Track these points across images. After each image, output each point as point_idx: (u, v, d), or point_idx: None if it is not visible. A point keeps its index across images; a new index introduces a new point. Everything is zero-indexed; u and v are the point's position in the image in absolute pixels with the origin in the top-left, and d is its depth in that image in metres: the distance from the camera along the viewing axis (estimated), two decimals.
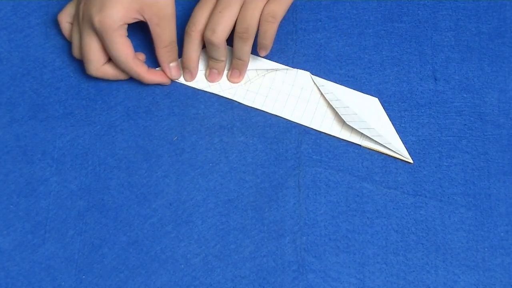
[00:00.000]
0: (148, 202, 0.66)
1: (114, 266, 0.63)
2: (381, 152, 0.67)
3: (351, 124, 0.66)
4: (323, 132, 0.68)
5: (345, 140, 0.67)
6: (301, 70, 0.70)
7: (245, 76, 0.70)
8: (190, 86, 0.70)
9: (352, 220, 0.65)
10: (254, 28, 0.65)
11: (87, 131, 0.68)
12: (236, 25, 0.65)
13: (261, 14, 0.65)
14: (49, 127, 0.68)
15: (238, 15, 0.65)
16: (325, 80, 0.70)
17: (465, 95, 0.69)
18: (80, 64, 0.71)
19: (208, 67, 0.70)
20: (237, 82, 0.70)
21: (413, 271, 0.63)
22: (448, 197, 0.65)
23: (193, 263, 0.63)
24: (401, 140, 0.67)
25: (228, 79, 0.70)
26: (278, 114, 0.69)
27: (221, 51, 0.67)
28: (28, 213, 0.65)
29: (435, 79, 0.70)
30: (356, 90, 0.69)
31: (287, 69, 0.70)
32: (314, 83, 0.70)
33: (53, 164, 0.67)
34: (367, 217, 0.65)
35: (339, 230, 0.64)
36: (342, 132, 0.68)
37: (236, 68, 0.69)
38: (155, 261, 0.64)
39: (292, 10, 0.74)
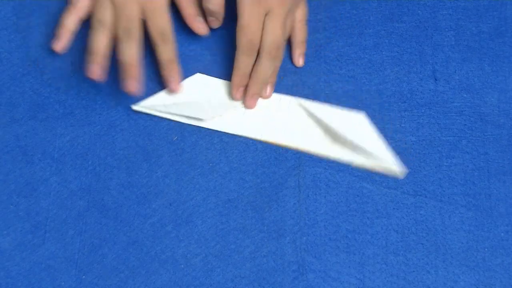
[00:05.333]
0: (148, 202, 0.66)
1: (114, 266, 0.63)
2: (372, 170, 0.66)
3: (337, 144, 0.66)
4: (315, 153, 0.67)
5: (336, 159, 0.67)
6: (284, 95, 0.69)
7: (231, 103, 0.68)
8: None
9: (352, 220, 0.65)
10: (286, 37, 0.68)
11: (87, 131, 0.68)
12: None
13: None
14: (49, 127, 0.68)
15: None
16: (309, 102, 0.69)
17: (465, 95, 0.69)
18: (80, 64, 0.71)
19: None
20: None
21: (413, 271, 0.63)
22: (448, 197, 0.65)
23: (193, 263, 0.63)
24: (401, 141, 0.67)
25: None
26: (267, 141, 0.67)
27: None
28: (28, 213, 0.65)
29: (435, 79, 0.70)
30: (342, 107, 0.68)
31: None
32: (301, 107, 0.69)
33: (53, 164, 0.67)
34: (367, 217, 0.65)
35: (339, 230, 0.64)
36: (333, 150, 0.67)
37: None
38: (155, 261, 0.64)
39: None
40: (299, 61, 0.70)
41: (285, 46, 0.67)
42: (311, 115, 0.68)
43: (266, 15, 0.65)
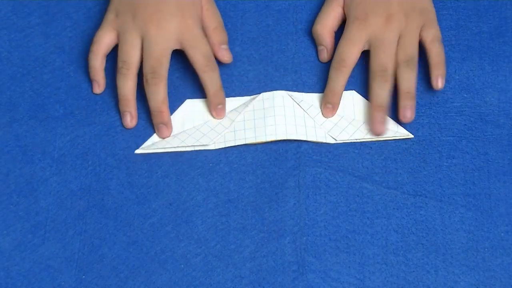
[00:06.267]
0: (148, 202, 0.66)
1: (114, 266, 0.63)
2: (385, 139, 0.67)
3: (340, 126, 0.67)
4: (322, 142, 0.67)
5: (347, 141, 0.67)
6: (276, 91, 0.69)
7: (227, 118, 0.68)
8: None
9: (352, 220, 0.65)
10: (417, 55, 0.68)
11: (87, 131, 0.68)
12: (399, 55, 0.67)
13: (423, 41, 0.68)
14: (49, 127, 0.68)
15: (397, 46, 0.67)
16: (302, 94, 0.69)
17: (465, 95, 0.69)
18: (80, 64, 0.71)
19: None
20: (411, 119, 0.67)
21: (413, 271, 0.63)
22: (448, 197, 0.65)
23: (193, 263, 0.63)
24: (401, 141, 0.67)
25: (401, 119, 0.67)
26: (273, 139, 0.67)
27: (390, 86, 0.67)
28: (28, 213, 0.65)
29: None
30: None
31: (262, 95, 0.69)
32: (293, 100, 0.69)
33: (53, 164, 0.67)
34: (367, 217, 0.65)
35: (339, 230, 0.64)
36: (340, 136, 0.67)
37: (408, 102, 0.67)
38: (155, 261, 0.64)
39: (292, 10, 0.74)
40: (437, 83, 0.68)
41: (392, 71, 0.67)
42: (306, 110, 0.68)
43: (369, 39, 0.67)
